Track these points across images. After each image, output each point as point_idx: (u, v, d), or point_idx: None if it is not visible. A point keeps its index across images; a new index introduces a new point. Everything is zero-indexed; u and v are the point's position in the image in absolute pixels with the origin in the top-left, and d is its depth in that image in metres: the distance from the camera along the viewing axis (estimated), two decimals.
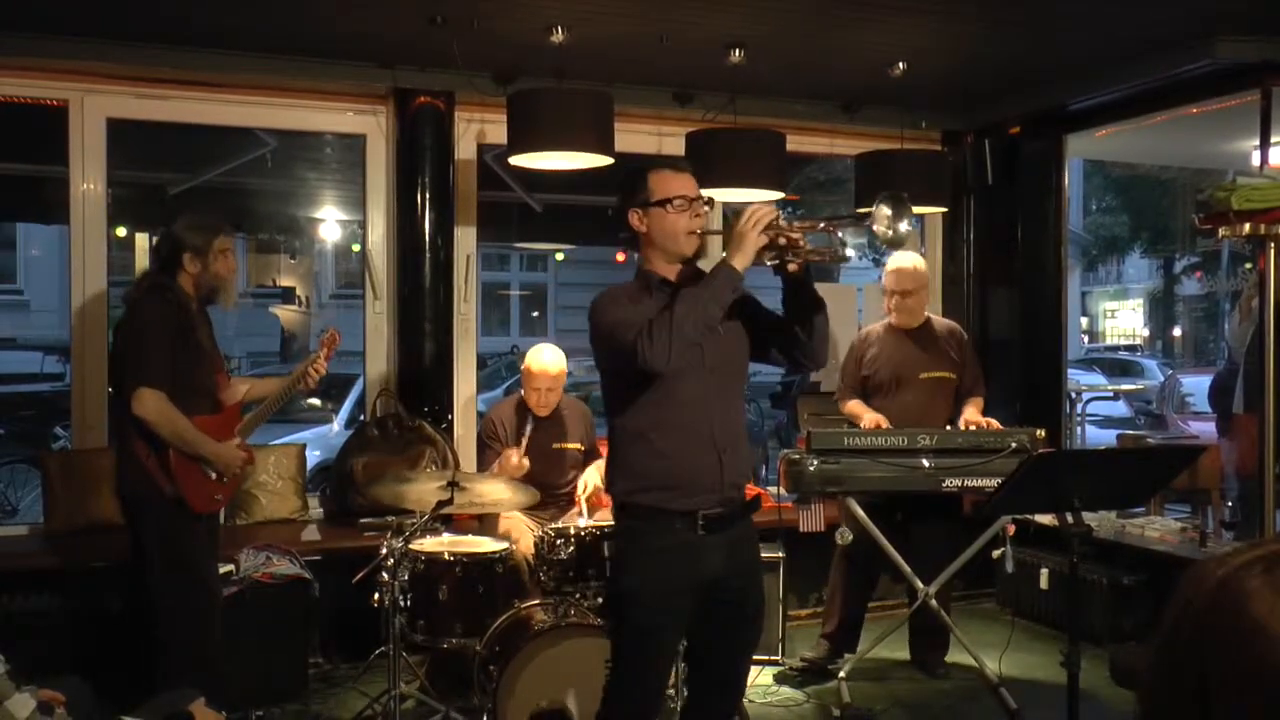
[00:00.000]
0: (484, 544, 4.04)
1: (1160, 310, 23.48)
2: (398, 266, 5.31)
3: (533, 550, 4.11)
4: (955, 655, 4.79)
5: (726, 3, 4.32)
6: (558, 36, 4.49)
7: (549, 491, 4.49)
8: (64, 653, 4.22)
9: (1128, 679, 4.54)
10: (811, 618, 5.44)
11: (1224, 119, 5.46)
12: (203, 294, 3.68)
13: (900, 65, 4.99)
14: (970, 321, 6.11)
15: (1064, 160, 6.02)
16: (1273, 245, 4.26)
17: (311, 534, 5.00)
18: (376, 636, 4.02)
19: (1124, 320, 26.13)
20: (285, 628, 4.30)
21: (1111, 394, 10.52)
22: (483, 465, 4.70)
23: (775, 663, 4.84)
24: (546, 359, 4.61)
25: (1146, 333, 24.56)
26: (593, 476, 4.59)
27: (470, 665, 3.90)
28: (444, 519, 4.05)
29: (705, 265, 2.93)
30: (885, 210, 2.73)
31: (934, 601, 4.56)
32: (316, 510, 5.31)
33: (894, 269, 4.77)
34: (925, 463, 4.41)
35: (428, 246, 5.25)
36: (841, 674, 4.56)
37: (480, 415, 5.42)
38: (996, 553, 4.55)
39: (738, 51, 4.78)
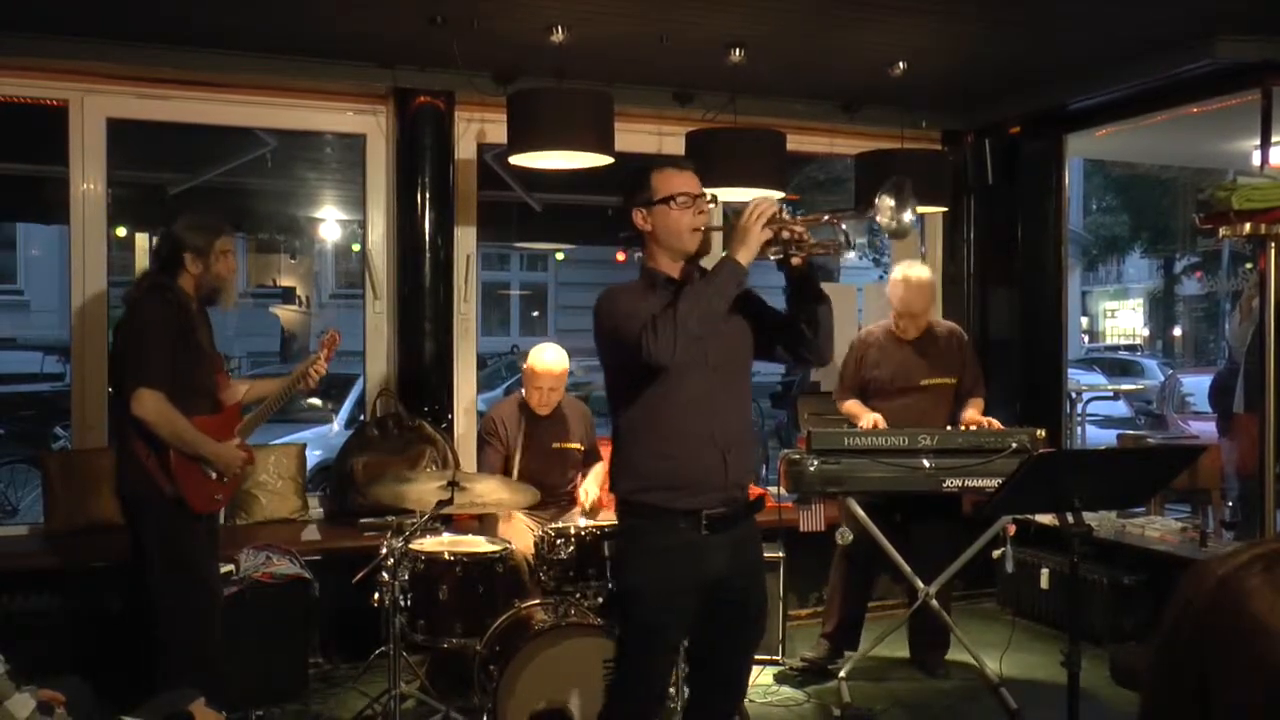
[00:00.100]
0: (484, 544, 4.04)
1: (1160, 310, 23.47)
2: (398, 266, 5.31)
3: (533, 550, 4.11)
4: (955, 655, 4.79)
5: (726, 3, 4.32)
6: (558, 36, 4.49)
7: (549, 492, 4.48)
8: (64, 653, 4.22)
9: (1128, 679, 4.54)
10: (811, 618, 5.44)
11: (1224, 119, 5.46)
12: (203, 294, 3.68)
13: (900, 65, 4.99)
14: (970, 321, 6.10)
15: (1064, 160, 6.02)
16: (1273, 245, 4.26)
17: (311, 534, 5.00)
18: (376, 636, 4.02)
19: (1124, 320, 26.12)
20: (285, 628, 4.30)
21: (1112, 394, 10.51)
22: (483, 464, 4.70)
23: (775, 662, 4.84)
24: (549, 358, 4.61)
25: (1147, 332, 24.55)
26: (592, 487, 4.58)
27: (470, 665, 3.90)
28: (444, 519, 4.04)
29: (708, 264, 2.93)
30: (888, 201, 2.73)
31: (934, 601, 4.56)
32: (316, 510, 5.31)
33: (904, 285, 4.69)
34: (925, 463, 4.41)
35: (428, 246, 5.25)
36: (841, 674, 4.56)
37: (480, 415, 5.42)
38: (997, 553, 4.55)
39: (738, 51, 4.77)
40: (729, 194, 4.88)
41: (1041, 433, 4.52)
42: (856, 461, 4.41)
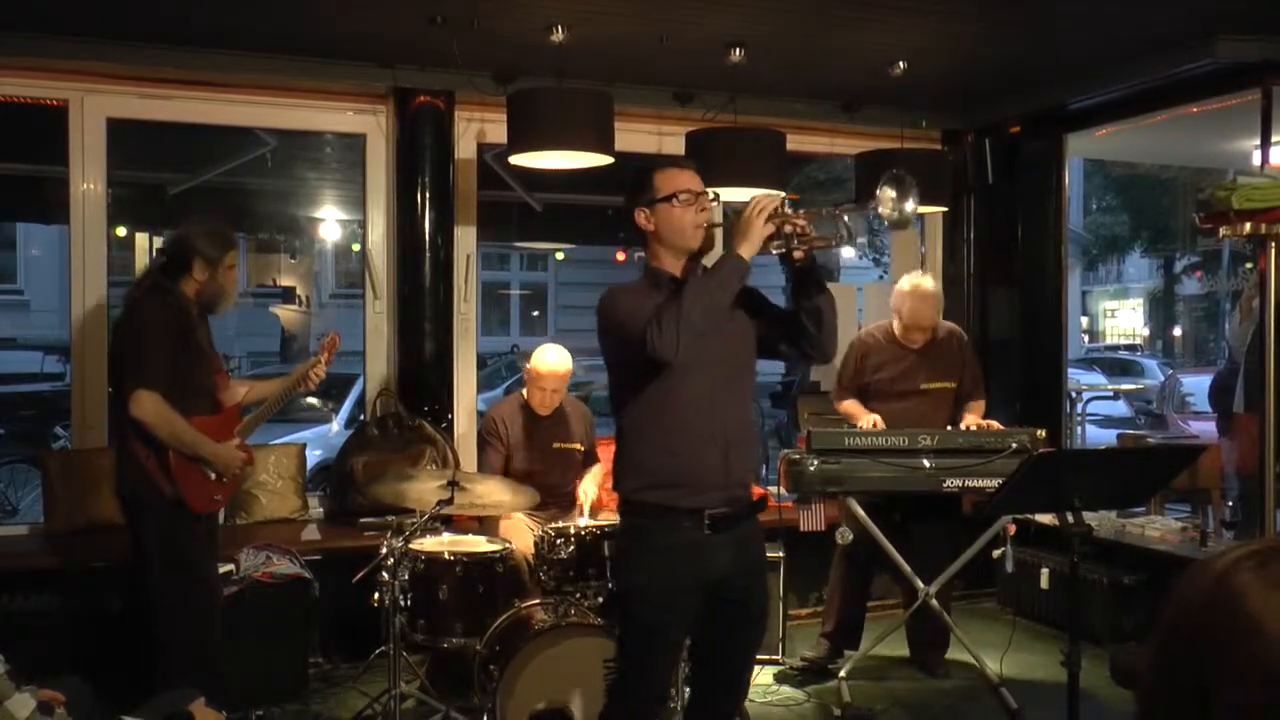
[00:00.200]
0: (484, 544, 4.04)
1: (1160, 310, 23.47)
2: (398, 266, 5.31)
3: (533, 550, 4.11)
4: (956, 655, 4.79)
5: (726, 3, 4.32)
6: (558, 36, 4.49)
7: (549, 492, 4.48)
8: (64, 653, 4.22)
9: (1128, 679, 4.54)
10: (811, 617, 5.44)
11: (1224, 118, 5.46)
12: (204, 301, 3.68)
13: (900, 65, 4.99)
14: (970, 321, 6.10)
15: (1064, 160, 6.02)
16: (1273, 245, 4.26)
17: (311, 534, 5.00)
18: (376, 636, 4.02)
19: (1124, 320, 26.12)
20: (285, 627, 4.30)
21: (1112, 394, 10.51)
22: (483, 464, 4.70)
23: (775, 662, 4.84)
24: (553, 360, 4.61)
25: (1147, 332, 24.54)
26: (591, 486, 4.59)
27: (470, 665, 3.90)
28: (444, 519, 4.05)
29: (710, 263, 2.93)
30: (890, 192, 2.73)
31: (934, 601, 4.56)
32: (316, 510, 5.31)
33: (914, 297, 4.67)
34: (926, 463, 4.41)
35: (428, 246, 5.25)
36: (842, 673, 4.56)
37: (480, 415, 5.42)
38: (997, 553, 4.56)
39: (738, 51, 4.78)
40: (729, 194, 4.88)
41: (1041, 433, 4.52)
42: (856, 461, 4.41)
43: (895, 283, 4.99)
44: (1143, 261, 23.36)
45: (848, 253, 16.09)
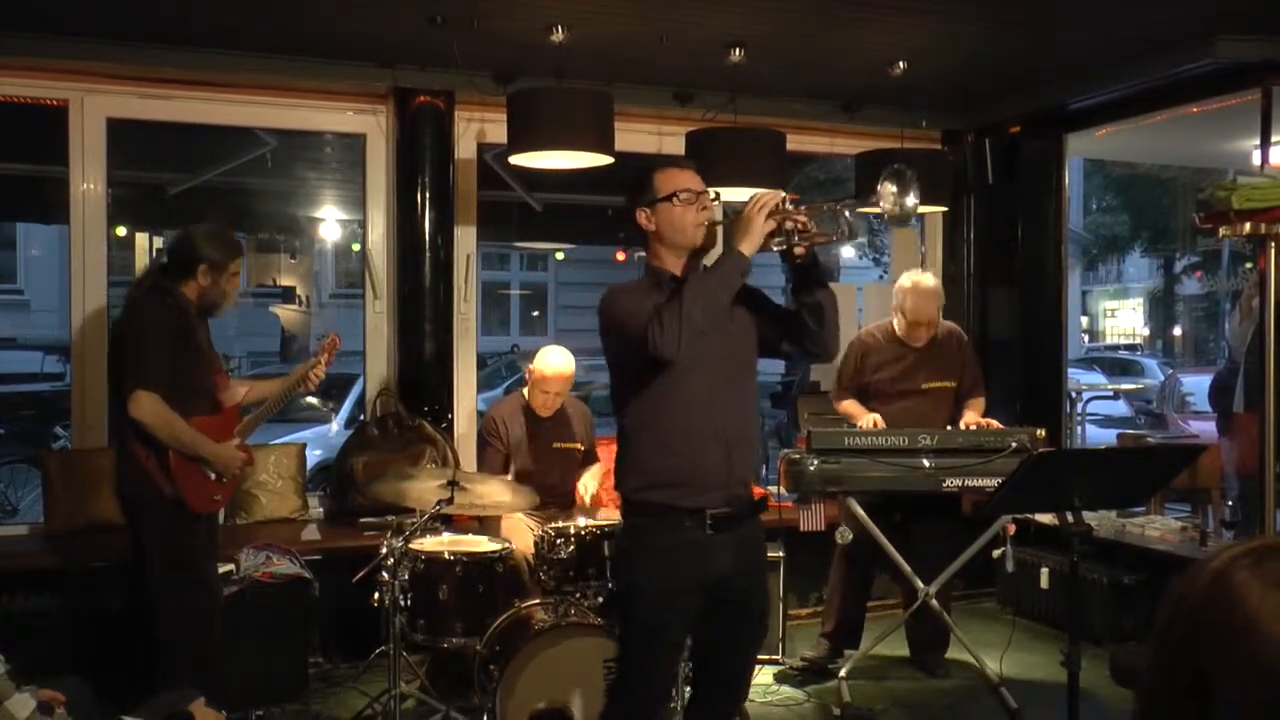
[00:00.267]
0: (484, 544, 4.04)
1: (1160, 310, 23.46)
2: (398, 266, 5.31)
3: (533, 550, 4.11)
4: (956, 655, 4.79)
5: (726, 3, 4.32)
6: (558, 36, 4.49)
7: (549, 492, 4.48)
8: (64, 653, 4.22)
9: (1128, 678, 4.54)
10: (811, 617, 5.44)
11: (1224, 118, 5.46)
12: (204, 305, 3.68)
13: (900, 65, 4.99)
14: (970, 321, 6.10)
15: (1064, 160, 6.02)
16: (1273, 245, 4.25)
17: (311, 533, 5.00)
18: (376, 636, 4.02)
19: (1124, 319, 26.11)
20: (285, 627, 4.30)
21: (1112, 393, 10.51)
22: (483, 464, 4.70)
23: (775, 662, 4.84)
24: (557, 362, 4.60)
25: (1147, 332, 24.54)
26: (591, 483, 4.59)
27: (470, 665, 3.90)
28: (444, 518, 4.05)
29: (711, 262, 2.93)
30: (890, 187, 2.72)
31: (934, 601, 4.56)
32: (316, 510, 5.31)
33: (914, 293, 4.66)
34: (925, 462, 4.41)
35: (428, 246, 5.25)
36: (842, 673, 4.56)
37: (480, 415, 5.42)
38: (997, 552, 4.55)
39: (738, 51, 4.77)
40: (729, 194, 4.88)
41: (1041, 432, 4.52)
42: (856, 461, 4.41)
43: (895, 282, 4.98)
44: (1143, 261, 23.36)
45: (848, 252, 16.11)
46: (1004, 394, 5.64)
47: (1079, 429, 7.25)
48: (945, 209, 5.79)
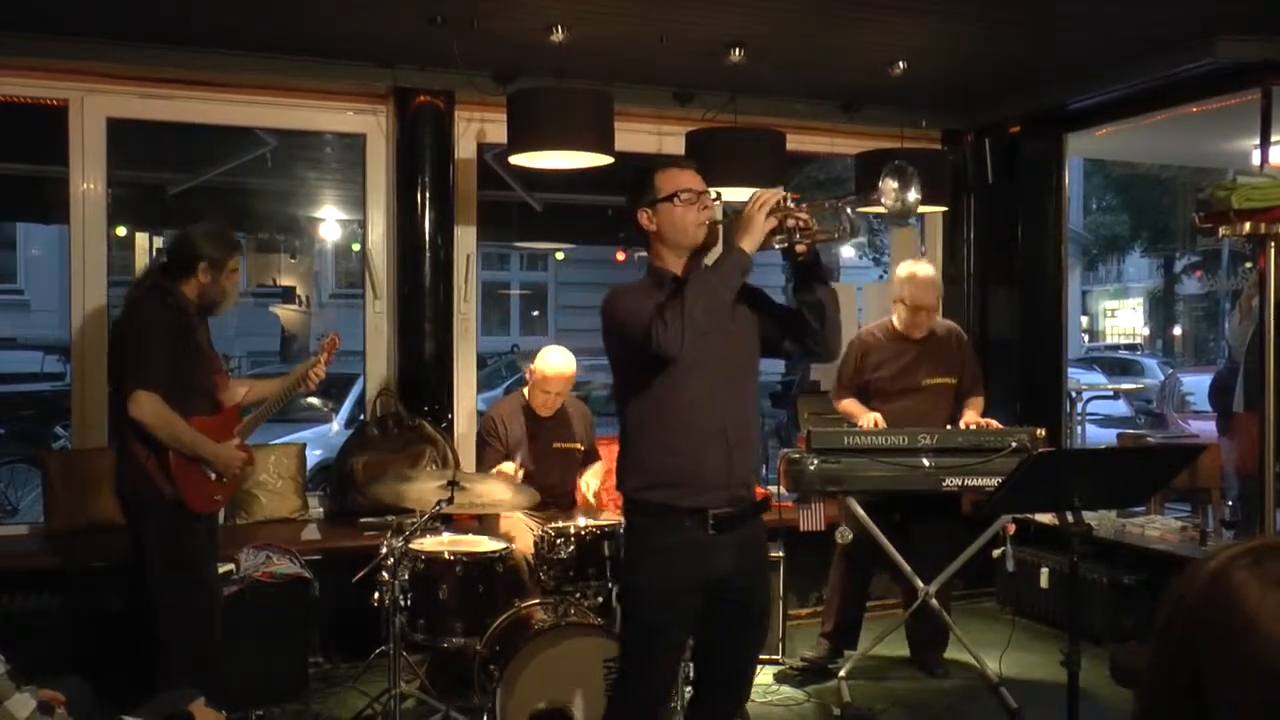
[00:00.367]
0: (484, 544, 4.04)
1: (1160, 309, 23.47)
2: (398, 266, 5.31)
3: (533, 550, 4.11)
4: (955, 655, 4.79)
5: (726, 3, 4.32)
6: (558, 36, 4.49)
7: (549, 492, 4.48)
8: (64, 653, 4.22)
9: (1128, 678, 4.54)
10: (811, 617, 5.44)
11: (1224, 118, 5.46)
12: (204, 303, 3.69)
13: (900, 65, 4.99)
14: (970, 321, 6.10)
15: (1064, 159, 6.02)
16: (1273, 244, 4.25)
17: (311, 533, 5.00)
18: (376, 636, 4.02)
19: (1124, 319, 26.12)
20: (285, 627, 4.30)
21: (1112, 393, 10.51)
22: (482, 464, 4.70)
23: (775, 662, 4.84)
24: (559, 363, 4.60)
25: (1147, 332, 24.54)
26: (592, 479, 4.59)
27: (470, 665, 3.90)
28: (444, 518, 4.05)
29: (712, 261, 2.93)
30: (892, 183, 2.72)
31: (934, 601, 4.56)
32: (316, 510, 5.31)
33: (912, 282, 4.67)
34: (925, 462, 4.41)
35: (428, 246, 5.25)
36: (841, 673, 4.56)
37: (480, 415, 5.42)
38: (997, 552, 4.56)
39: (738, 51, 4.78)
40: (730, 194, 4.88)
41: (1041, 432, 4.52)
42: (856, 461, 4.41)
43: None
44: (1143, 261, 23.36)
45: (848, 252, 16.12)
46: (1004, 394, 5.65)
47: (1079, 429, 7.25)
48: (945, 209, 5.79)
